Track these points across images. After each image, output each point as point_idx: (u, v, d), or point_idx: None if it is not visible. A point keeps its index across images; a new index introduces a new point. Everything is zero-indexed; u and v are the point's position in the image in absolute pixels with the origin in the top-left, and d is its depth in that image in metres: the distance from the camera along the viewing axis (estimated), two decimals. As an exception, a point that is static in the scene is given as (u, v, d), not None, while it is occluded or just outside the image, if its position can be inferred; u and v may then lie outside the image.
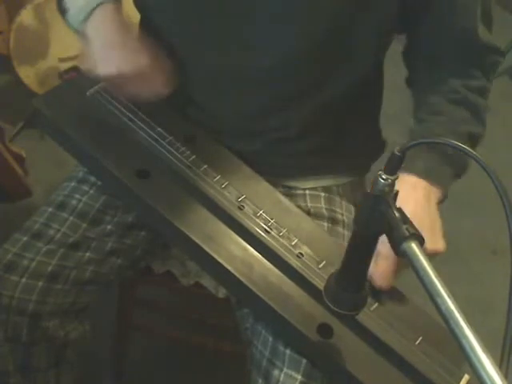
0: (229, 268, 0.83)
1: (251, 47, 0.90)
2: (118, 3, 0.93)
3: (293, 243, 0.86)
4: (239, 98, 0.95)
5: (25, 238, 0.93)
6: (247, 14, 0.88)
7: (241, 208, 0.88)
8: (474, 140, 0.92)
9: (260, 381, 0.85)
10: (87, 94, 0.96)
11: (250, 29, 0.89)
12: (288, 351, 0.83)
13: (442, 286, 0.56)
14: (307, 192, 1.02)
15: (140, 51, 0.90)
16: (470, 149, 0.59)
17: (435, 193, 0.87)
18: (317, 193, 1.02)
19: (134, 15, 1.04)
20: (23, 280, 0.90)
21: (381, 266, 0.81)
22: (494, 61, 0.98)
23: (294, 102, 0.95)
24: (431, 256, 0.80)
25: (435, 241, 0.83)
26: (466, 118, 0.92)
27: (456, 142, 0.60)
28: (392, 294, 0.86)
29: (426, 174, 0.86)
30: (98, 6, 0.89)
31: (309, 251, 0.86)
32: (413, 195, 0.84)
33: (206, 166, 0.91)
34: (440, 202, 0.88)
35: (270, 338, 0.86)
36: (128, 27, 0.92)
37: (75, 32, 0.93)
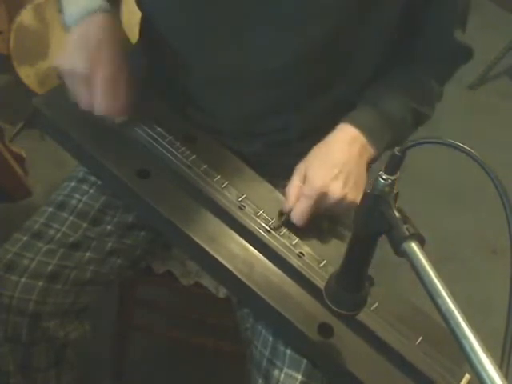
0: (229, 267, 0.83)
1: (251, 49, 0.90)
2: (115, 14, 0.92)
3: (293, 243, 0.87)
4: (239, 100, 0.95)
5: (25, 238, 0.93)
6: (248, 15, 0.88)
7: (241, 208, 0.88)
8: (417, 118, 0.97)
9: (260, 381, 0.85)
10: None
11: (251, 30, 0.88)
12: (288, 351, 0.83)
13: (442, 286, 0.56)
14: (307, 192, 1.02)
15: (110, 64, 0.88)
16: (470, 149, 0.59)
17: (369, 151, 0.91)
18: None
19: (135, 15, 1.04)
20: (23, 280, 0.90)
21: (302, 205, 0.86)
22: (462, 58, 1.02)
23: (294, 104, 0.95)
24: (349, 207, 0.87)
25: (357, 193, 0.87)
26: (418, 96, 0.97)
27: (456, 142, 0.60)
28: (392, 294, 0.86)
29: (367, 132, 0.90)
30: (94, 12, 0.88)
31: (309, 251, 0.86)
32: (349, 147, 0.89)
33: (206, 166, 0.91)
34: (370, 162, 0.91)
35: (270, 338, 0.86)
36: (114, 38, 0.89)
37: (67, 29, 0.92)
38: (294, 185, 0.88)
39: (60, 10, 0.94)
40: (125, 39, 0.93)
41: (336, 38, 0.88)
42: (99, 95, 0.87)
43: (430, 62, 0.99)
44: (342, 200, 0.86)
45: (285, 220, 0.88)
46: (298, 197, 0.87)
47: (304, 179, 0.88)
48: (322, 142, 0.90)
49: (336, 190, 0.85)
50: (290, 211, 0.88)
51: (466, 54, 1.00)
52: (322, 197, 0.85)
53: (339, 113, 0.97)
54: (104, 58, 0.87)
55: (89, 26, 0.89)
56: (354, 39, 0.90)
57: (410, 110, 0.96)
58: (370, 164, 0.92)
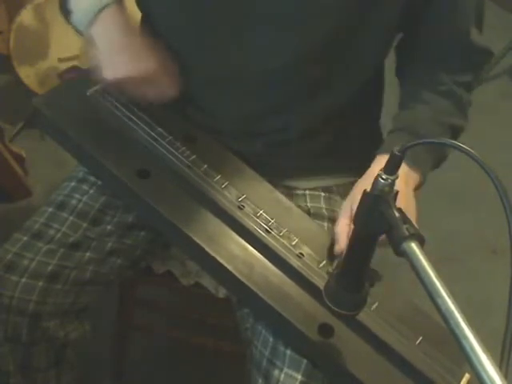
0: (229, 268, 0.83)
1: (251, 49, 0.90)
2: (121, 4, 0.92)
3: (293, 243, 0.87)
4: (239, 99, 0.95)
5: (25, 238, 0.93)
6: (248, 15, 0.88)
7: (241, 208, 0.88)
8: (455, 132, 0.96)
9: (260, 381, 0.85)
10: (87, 93, 0.96)
11: (251, 30, 0.89)
12: (288, 351, 0.83)
13: (442, 286, 0.56)
14: (307, 192, 1.02)
15: (146, 54, 0.91)
16: (470, 149, 0.59)
17: (414, 178, 0.89)
18: (317, 193, 1.02)
19: (135, 15, 1.04)
20: (23, 280, 0.90)
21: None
22: (483, 60, 1.00)
23: (294, 104, 0.95)
24: None
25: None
26: (449, 109, 0.96)
27: (456, 142, 0.60)
28: (392, 294, 0.86)
29: (406, 159, 0.86)
30: (102, 8, 0.89)
31: (309, 251, 0.86)
32: (405, 186, 0.86)
33: (206, 166, 0.91)
34: (417, 188, 0.90)
35: (270, 338, 0.86)
36: (133, 29, 0.92)
37: (79, 33, 0.93)
38: (343, 224, 0.86)
39: (63, 12, 0.94)
40: (134, 25, 0.95)
41: (336, 38, 0.88)
42: (163, 81, 0.91)
43: (453, 67, 0.97)
44: None
45: (339, 263, 0.81)
46: (348, 235, 0.83)
47: (351, 217, 0.82)
48: (363, 178, 0.89)
49: None
50: (342, 253, 0.82)
51: (485, 55, 0.98)
52: None
53: (339, 111, 0.96)
54: (139, 50, 0.90)
55: (106, 29, 0.90)
56: (353, 39, 0.90)
57: (445, 126, 0.94)
58: (418, 189, 0.90)
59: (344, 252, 0.79)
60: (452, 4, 0.91)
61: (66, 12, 0.94)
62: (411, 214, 0.85)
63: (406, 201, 0.85)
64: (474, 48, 0.96)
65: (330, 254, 0.86)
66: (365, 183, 0.88)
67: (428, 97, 0.96)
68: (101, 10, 0.89)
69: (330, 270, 0.84)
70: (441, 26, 0.93)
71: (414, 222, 0.81)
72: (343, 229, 0.86)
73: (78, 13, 0.91)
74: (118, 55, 0.90)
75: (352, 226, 0.76)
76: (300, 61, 0.90)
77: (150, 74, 0.91)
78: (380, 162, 0.89)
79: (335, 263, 0.85)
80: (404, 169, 0.87)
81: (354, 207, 0.80)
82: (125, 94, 0.94)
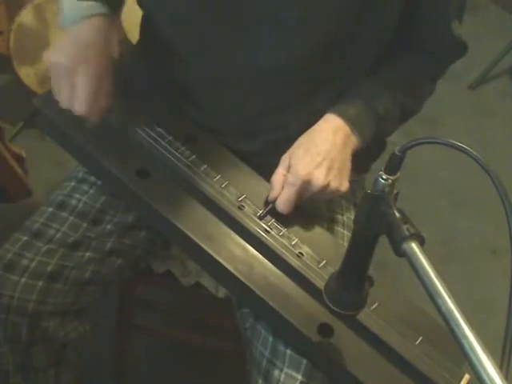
0: (229, 268, 0.83)
1: (252, 48, 0.90)
2: (114, 18, 0.92)
3: (293, 243, 0.87)
4: (239, 99, 0.95)
5: (25, 238, 0.93)
6: (248, 15, 0.88)
7: (241, 208, 0.88)
8: (404, 111, 0.98)
9: (260, 381, 0.85)
10: (87, 93, 0.96)
11: (251, 30, 0.88)
12: (288, 351, 0.83)
13: (442, 286, 0.56)
14: (307, 192, 1.01)
15: (95, 63, 0.88)
16: (470, 149, 0.59)
17: (353, 141, 0.91)
18: (316, 193, 1.02)
19: (135, 15, 1.04)
20: (23, 280, 0.90)
21: (286, 193, 0.87)
22: (457, 54, 1.01)
23: (294, 103, 0.95)
24: (333, 194, 0.89)
25: (341, 181, 0.89)
26: (405, 89, 0.97)
27: (456, 142, 0.60)
28: (392, 294, 0.86)
29: (352, 122, 0.90)
30: (87, 16, 0.89)
31: (309, 251, 0.86)
32: (333, 136, 0.89)
33: (205, 166, 0.91)
34: (353, 152, 0.92)
35: (270, 338, 0.86)
36: (107, 46, 0.90)
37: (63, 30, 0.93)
38: (279, 173, 0.89)
39: (59, 11, 0.94)
40: (121, 38, 0.93)
41: (336, 38, 0.88)
42: (79, 92, 0.87)
43: (422, 52, 0.98)
44: (325, 188, 0.87)
45: (271, 209, 0.88)
46: (282, 185, 0.88)
47: (288, 168, 0.88)
48: (306, 132, 0.91)
49: (319, 178, 0.86)
50: (275, 200, 0.88)
51: (459, 48, 0.99)
52: (306, 184, 0.86)
53: None
54: (90, 56, 0.88)
55: (83, 26, 0.90)
56: (354, 38, 0.90)
57: (397, 104, 0.96)
58: (354, 153, 0.92)
59: (276, 200, 0.87)
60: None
61: (59, 12, 0.94)
62: (344, 173, 0.89)
63: (341, 160, 0.89)
64: (451, 41, 0.97)
65: (330, 254, 0.86)
66: (307, 138, 0.90)
67: (390, 72, 0.97)
68: (86, 17, 0.89)
69: (261, 213, 0.88)
70: (420, 15, 0.93)
71: (346, 180, 0.89)
72: (279, 179, 0.88)
73: (67, 15, 0.91)
74: (70, 43, 0.89)
75: (287, 176, 0.87)
76: (300, 60, 0.90)
77: (88, 76, 0.87)
78: (327, 119, 0.91)
79: (267, 209, 0.88)
80: (347, 132, 0.90)
81: (292, 161, 0.87)
82: (56, 88, 0.90)
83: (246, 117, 0.96)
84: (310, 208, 0.99)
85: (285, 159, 0.90)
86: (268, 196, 0.89)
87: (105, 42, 0.90)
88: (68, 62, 0.87)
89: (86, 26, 0.90)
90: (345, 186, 0.89)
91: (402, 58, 0.98)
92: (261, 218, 0.88)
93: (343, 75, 0.94)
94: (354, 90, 0.95)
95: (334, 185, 0.87)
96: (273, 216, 0.88)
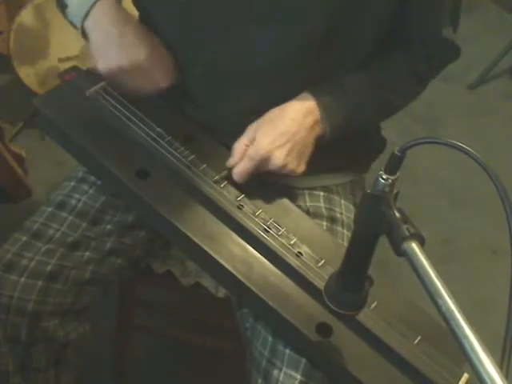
0: (228, 267, 0.83)
1: (251, 46, 0.90)
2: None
3: (292, 242, 0.86)
4: (238, 96, 0.95)
5: (24, 238, 0.93)
6: (247, 12, 0.88)
7: (240, 207, 0.88)
8: (386, 107, 0.99)
9: (260, 380, 0.85)
10: (87, 93, 0.96)
11: (250, 28, 0.89)
12: (287, 351, 0.83)
13: (443, 286, 0.56)
14: (306, 191, 1.01)
15: (138, 46, 0.91)
16: (470, 149, 0.59)
17: (321, 128, 0.91)
18: (316, 192, 1.02)
19: (134, 14, 1.04)
20: (22, 280, 0.90)
21: (244, 164, 0.89)
22: (450, 56, 1.01)
23: (292, 98, 0.95)
24: (288, 174, 0.90)
25: (298, 164, 0.90)
26: (387, 84, 0.98)
27: (456, 142, 0.60)
28: (392, 294, 0.86)
29: (324, 109, 0.91)
30: (96, 2, 0.90)
31: (308, 250, 0.86)
32: (302, 119, 0.90)
33: (205, 166, 0.91)
34: (319, 138, 0.92)
35: (270, 338, 0.86)
36: (127, 20, 0.93)
37: (75, 28, 0.94)
38: (241, 143, 0.90)
39: (58, 7, 0.95)
40: (129, 16, 0.95)
41: (335, 35, 0.88)
42: (155, 71, 0.92)
43: (412, 51, 0.98)
44: (282, 168, 0.89)
45: (226, 175, 0.90)
46: (242, 155, 0.89)
47: (252, 139, 0.89)
48: (278, 107, 0.91)
49: (279, 158, 0.88)
50: (232, 167, 0.90)
51: (451, 50, 0.99)
52: (265, 161, 0.88)
53: None
54: (131, 40, 0.91)
55: (99, 20, 0.91)
56: (353, 36, 0.90)
57: (375, 97, 0.96)
58: (318, 142, 0.93)
59: (234, 167, 0.89)
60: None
61: (61, 7, 0.95)
62: (305, 157, 0.91)
63: (304, 143, 0.90)
64: (444, 41, 0.97)
65: (329, 253, 0.86)
66: (277, 113, 0.91)
67: (377, 66, 0.97)
68: (94, 4, 0.90)
69: (218, 178, 0.90)
70: (411, 14, 0.93)
71: (305, 164, 0.90)
72: (240, 148, 0.90)
73: (72, 7, 0.92)
74: (108, 46, 0.91)
75: (248, 147, 0.89)
76: (300, 58, 0.90)
77: (141, 64, 0.91)
78: (302, 99, 0.91)
79: (222, 175, 0.90)
80: (317, 117, 0.90)
81: (257, 135, 0.88)
82: (120, 86, 0.94)
83: (246, 114, 0.96)
84: (310, 207, 0.99)
85: (251, 130, 0.91)
86: (227, 161, 0.91)
87: (124, 19, 0.92)
88: (123, 60, 0.90)
89: (103, 19, 0.91)
90: (301, 169, 0.91)
91: (396, 57, 0.98)
92: (216, 182, 0.89)
93: (342, 72, 0.94)
94: (343, 79, 0.95)
95: (291, 166, 0.89)
96: (229, 182, 0.90)
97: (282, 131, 0.88)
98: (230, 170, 0.90)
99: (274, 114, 0.91)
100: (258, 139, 0.89)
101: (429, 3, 0.92)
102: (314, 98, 0.91)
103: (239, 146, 0.90)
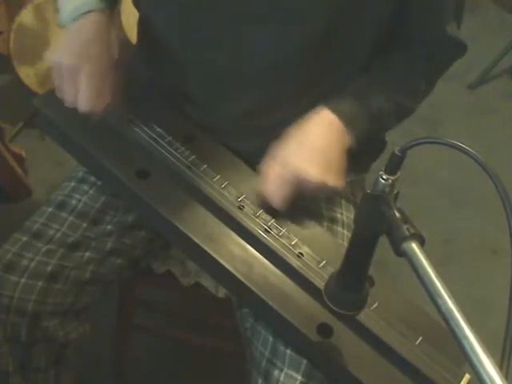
0: (228, 268, 0.83)
1: (250, 47, 0.90)
2: (111, 14, 0.93)
3: (292, 243, 0.86)
4: (237, 96, 0.95)
5: (24, 238, 0.93)
6: (246, 13, 0.88)
7: (240, 208, 0.88)
8: (399, 110, 0.97)
9: (260, 381, 0.85)
10: (87, 93, 0.96)
11: (249, 28, 0.89)
12: (288, 351, 0.83)
13: (442, 286, 0.56)
14: (306, 191, 1.01)
15: (96, 60, 0.89)
16: (470, 149, 0.59)
17: (347, 138, 0.90)
18: (316, 192, 1.01)
19: (134, 16, 1.04)
20: (23, 280, 0.90)
21: (281, 188, 0.86)
22: (454, 54, 1.00)
23: (293, 101, 0.95)
24: (329, 192, 0.88)
25: (337, 179, 0.87)
26: (400, 87, 0.97)
27: (456, 142, 0.60)
28: (392, 294, 0.86)
29: (344, 118, 0.89)
30: (85, 12, 0.90)
31: (309, 251, 0.86)
32: (328, 132, 0.89)
33: (205, 166, 0.91)
34: (346, 149, 0.90)
35: (270, 338, 0.86)
36: (107, 42, 0.91)
37: (62, 28, 0.93)
38: (272, 168, 0.87)
39: (56, 10, 0.95)
40: (120, 38, 0.94)
41: (335, 36, 0.88)
42: (83, 90, 0.87)
43: (417, 52, 0.97)
44: (320, 185, 0.85)
45: (262, 202, 0.88)
46: (277, 180, 0.86)
47: (283, 163, 0.86)
48: (299, 126, 0.89)
49: (313, 175, 0.84)
50: (267, 194, 0.87)
51: (457, 48, 0.99)
52: (300, 181, 0.85)
53: None
54: (92, 54, 0.88)
55: (81, 24, 0.90)
56: (352, 36, 0.90)
57: (391, 101, 0.95)
58: (347, 150, 0.91)
59: (270, 193, 0.87)
60: None
61: (57, 11, 0.95)
62: (340, 169, 0.88)
63: (335, 156, 0.88)
64: (448, 40, 0.96)
65: (330, 254, 0.86)
66: (300, 131, 0.88)
67: (386, 70, 0.97)
68: (86, 13, 0.90)
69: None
70: (412, 14, 0.93)
71: (341, 177, 0.87)
72: (273, 172, 0.87)
73: (64, 13, 0.91)
74: (70, 42, 0.90)
75: (279, 169, 0.86)
76: (299, 56, 0.90)
77: (91, 73, 0.88)
78: (321, 114, 0.89)
79: (265, 206, 0.88)
80: (340, 128, 0.89)
81: (287, 156, 0.86)
82: (60, 87, 0.90)
83: (246, 114, 0.96)
84: (310, 207, 0.99)
85: (277, 152, 0.88)
86: (263, 190, 0.88)
87: (104, 38, 0.90)
88: (69, 61, 0.87)
89: (85, 23, 0.90)
90: (340, 183, 0.88)
91: (397, 57, 0.98)
92: (255, 214, 0.87)
93: (341, 72, 0.94)
94: (347, 87, 0.94)
95: (330, 182, 0.86)
96: (267, 210, 0.87)
97: (311, 147, 0.86)
98: (263, 196, 0.87)
99: (296, 133, 0.88)
100: (289, 161, 0.86)
101: (429, 3, 0.92)
102: (332, 111, 0.89)
103: (271, 170, 0.87)
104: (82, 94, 0.87)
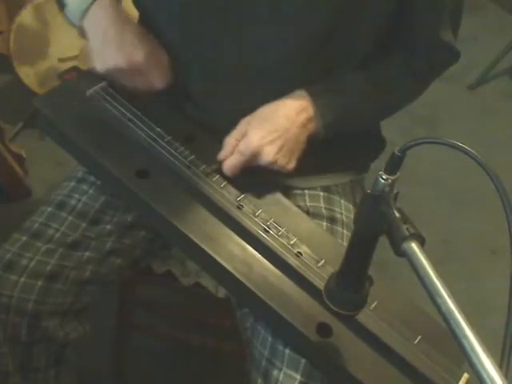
0: (228, 267, 0.83)
1: (251, 46, 0.90)
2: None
3: (291, 242, 0.86)
4: (238, 96, 0.95)
5: (24, 238, 0.93)
6: (247, 13, 0.88)
7: (240, 207, 0.88)
8: (384, 107, 1.00)
9: (259, 380, 0.85)
10: (87, 94, 0.96)
11: (250, 28, 0.89)
12: (287, 351, 0.83)
13: (443, 286, 0.56)
14: (306, 191, 1.02)
15: (136, 46, 0.92)
16: (470, 149, 0.59)
17: (313, 126, 0.92)
18: (316, 192, 1.02)
19: (134, 14, 1.04)
20: (22, 279, 0.90)
21: (234, 158, 0.89)
22: (446, 60, 1.01)
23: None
24: (279, 170, 0.90)
25: (289, 161, 0.90)
26: (390, 88, 0.98)
27: (456, 142, 0.60)
28: (392, 293, 0.86)
29: (317, 107, 0.91)
30: (94, 0, 0.90)
31: (308, 250, 0.86)
32: (295, 115, 0.90)
33: (205, 166, 0.91)
34: (311, 136, 0.92)
35: (270, 338, 0.86)
36: (125, 20, 0.93)
37: (74, 27, 0.94)
38: (233, 137, 0.90)
39: (58, 5, 0.95)
40: (127, 16, 0.95)
41: (334, 35, 0.88)
42: (153, 72, 0.93)
43: (411, 53, 0.97)
44: (272, 164, 0.89)
45: (216, 167, 0.91)
46: (233, 149, 0.89)
47: (243, 134, 0.89)
48: (271, 104, 0.91)
49: (269, 154, 0.88)
50: (222, 161, 0.90)
51: (449, 53, 0.98)
52: (255, 156, 0.88)
53: None
54: (130, 40, 0.91)
55: (98, 19, 0.91)
56: (352, 36, 0.90)
57: (372, 97, 0.96)
58: (310, 139, 0.92)
59: (224, 161, 0.90)
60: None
61: (61, 5, 0.95)
62: (295, 153, 0.90)
63: (296, 141, 0.90)
64: (439, 45, 0.96)
65: (329, 253, 0.86)
66: (270, 109, 0.91)
67: (373, 67, 0.97)
68: (93, 3, 0.90)
69: (209, 170, 0.90)
70: (409, 15, 0.93)
71: (295, 161, 0.90)
72: (232, 142, 0.90)
73: (71, 6, 0.92)
74: (106, 46, 0.91)
75: (239, 143, 0.89)
76: (299, 59, 0.90)
77: (138, 64, 0.92)
78: (296, 96, 0.91)
79: (213, 167, 0.91)
80: (310, 115, 0.90)
81: (249, 130, 0.88)
82: (118, 85, 0.95)
83: (246, 114, 0.96)
84: (310, 207, 0.99)
85: (242, 124, 0.91)
86: (218, 154, 0.91)
87: (123, 19, 0.92)
88: (121, 60, 0.91)
89: (101, 18, 0.91)
90: (291, 165, 0.91)
91: (390, 55, 0.98)
92: (207, 174, 0.90)
93: (341, 70, 0.94)
94: (333, 78, 0.95)
95: (280, 162, 0.89)
96: (220, 175, 0.90)
97: (274, 127, 0.89)
98: (220, 163, 0.91)
99: (266, 110, 0.91)
100: (249, 134, 0.89)
101: (423, 6, 0.92)
102: (308, 96, 0.91)
103: (230, 140, 0.91)
104: (154, 75, 0.93)
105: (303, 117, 0.90)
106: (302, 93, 0.91)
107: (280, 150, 0.88)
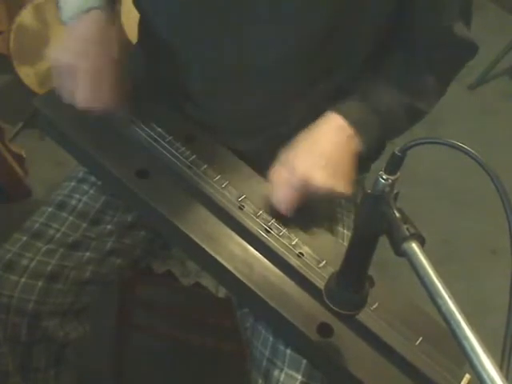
0: (229, 268, 0.83)
1: (251, 46, 0.90)
2: (112, 13, 0.92)
3: (293, 243, 0.86)
4: (238, 96, 0.95)
5: (24, 238, 0.93)
6: (247, 13, 0.88)
7: (241, 208, 0.88)
8: (411, 113, 0.96)
9: (260, 381, 0.85)
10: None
11: (250, 28, 0.89)
12: (288, 351, 0.83)
13: (443, 286, 0.56)
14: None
15: (94, 57, 0.88)
16: (470, 149, 0.59)
17: (357, 144, 0.89)
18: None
19: (134, 15, 1.04)
20: (23, 280, 0.90)
21: (286, 193, 0.85)
22: (465, 54, 1.00)
23: (293, 100, 0.95)
24: (336, 198, 0.91)
25: (344, 185, 0.86)
26: (411, 89, 0.95)
27: (456, 142, 0.60)
28: (392, 294, 0.86)
29: (354, 123, 0.88)
30: (87, 10, 0.89)
31: (309, 251, 0.86)
32: (336, 138, 0.88)
33: (206, 166, 0.91)
34: (357, 154, 0.89)
35: (271, 338, 0.86)
36: (107, 36, 0.90)
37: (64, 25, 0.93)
38: (279, 173, 0.86)
39: (58, 7, 0.95)
40: (121, 38, 0.93)
41: (334, 35, 0.88)
42: (80, 88, 0.87)
43: (428, 53, 0.97)
44: (327, 191, 0.84)
45: (272, 209, 0.87)
46: (283, 185, 0.86)
47: (289, 168, 0.86)
48: (307, 131, 0.88)
49: (321, 180, 0.83)
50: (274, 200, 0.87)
51: (467, 48, 0.98)
52: (307, 187, 0.84)
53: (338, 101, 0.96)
54: (90, 52, 0.88)
55: (82, 22, 0.90)
56: (352, 36, 0.90)
57: (402, 104, 0.94)
58: (359, 157, 0.90)
59: (276, 199, 0.86)
60: None
61: (58, 8, 0.95)
62: (348, 176, 0.87)
63: (344, 163, 0.87)
64: (456, 40, 0.95)
65: (330, 254, 0.86)
66: (309, 137, 0.87)
67: (395, 72, 0.96)
68: (87, 11, 0.89)
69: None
70: (422, 14, 0.92)
71: (349, 184, 0.86)
72: (279, 177, 0.86)
73: (65, 10, 0.91)
74: (69, 40, 0.90)
75: (286, 175, 0.85)
76: (300, 55, 0.90)
77: (94, 71, 0.88)
78: (330, 119, 0.88)
79: (265, 208, 0.87)
80: (350, 133, 0.88)
81: (295, 162, 0.85)
82: (61, 85, 0.90)
83: (246, 113, 0.96)
84: (310, 208, 0.99)
85: (285, 158, 0.88)
86: (270, 195, 0.88)
87: (104, 37, 0.90)
88: (68, 58, 0.87)
89: (85, 22, 0.90)
90: (348, 189, 0.87)
91: (397, 58, 0.97)
92: (259, 217, 0.87)
93: (342, 70, 0.94)
94: (355, 90, 0.93)
95: (337, 189, 0.85)
96: (274, 216, 0.87)
97: (319, 153, 0.85)
98: (270, 202, 0.87)
99: (305, 138, 0.88)
100: (296, 166, 0.85)
101: (430, 3, 0.92)
102: (341, 117, 0.88)
103: (278, 176, 0.87)
104: (80, 91, 0.87)
105: (344, 137, 0.88)
106: (332, 114, 0.88)
107: (331, 174, 0.84)
